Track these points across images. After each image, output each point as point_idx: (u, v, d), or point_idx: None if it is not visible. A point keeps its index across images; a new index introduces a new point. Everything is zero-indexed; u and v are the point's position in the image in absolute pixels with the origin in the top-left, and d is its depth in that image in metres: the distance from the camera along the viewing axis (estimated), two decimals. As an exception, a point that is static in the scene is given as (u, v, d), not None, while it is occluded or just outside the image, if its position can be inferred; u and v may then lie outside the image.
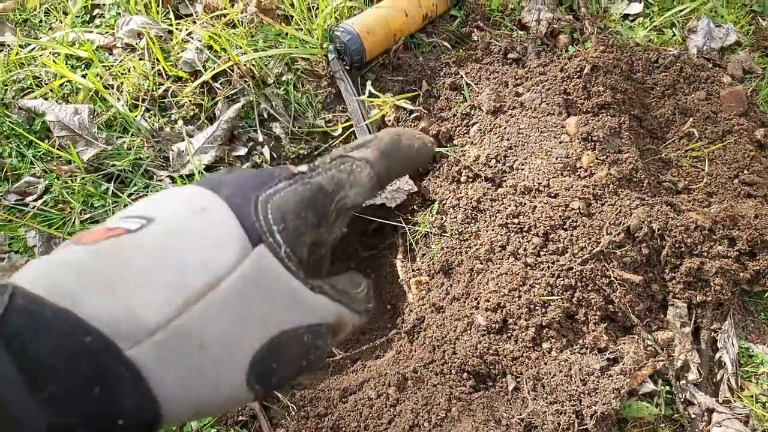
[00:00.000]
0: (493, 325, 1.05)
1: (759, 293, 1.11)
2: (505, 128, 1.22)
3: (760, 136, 1.24)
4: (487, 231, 1.14)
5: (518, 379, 1.00)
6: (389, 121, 1.28)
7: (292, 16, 1.37)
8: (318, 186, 0.38)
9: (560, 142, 1.18)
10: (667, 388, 1.07)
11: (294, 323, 0.35)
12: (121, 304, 0.29)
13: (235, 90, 1.33)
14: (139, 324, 0.29)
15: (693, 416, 1.06)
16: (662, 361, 1.06)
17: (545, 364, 1.02)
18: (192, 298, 0.31)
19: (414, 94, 1.33)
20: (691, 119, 1.25)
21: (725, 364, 1.07)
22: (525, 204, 1.11)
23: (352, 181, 0.40)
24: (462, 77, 1.35)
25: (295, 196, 0.37)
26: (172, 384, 0.30)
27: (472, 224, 1.15)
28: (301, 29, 1.34)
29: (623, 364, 1.04)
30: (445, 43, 1.44)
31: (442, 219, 1.22)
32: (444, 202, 1.21)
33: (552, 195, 1.11)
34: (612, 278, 1.05)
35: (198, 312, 0.31)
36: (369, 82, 1.32)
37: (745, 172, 1.18)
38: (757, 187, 1.16)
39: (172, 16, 1.40)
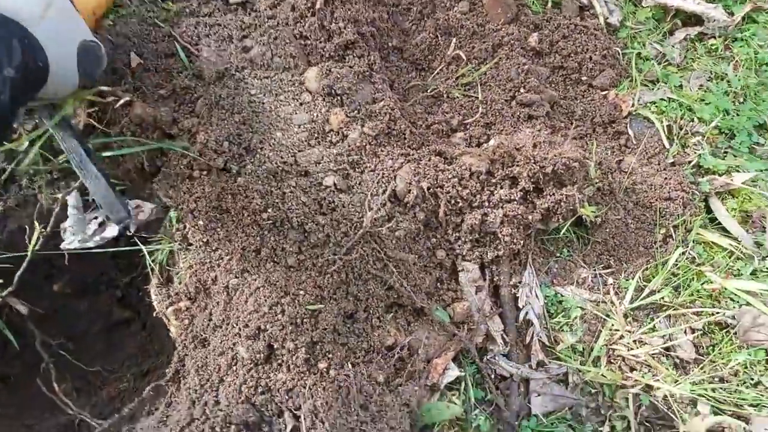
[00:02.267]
0: (258, 356, 0.94)
1: (556, 230, 0.97)
2: (233, 98, 0.98)
3: (534, 43, 1.09)
4: (236, 235, 1.01)
5: (297, 416, 0.79)
6: (77, 122, 0.97)
7: None
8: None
9: (301, 104, 0.96)
10: (474, 367, 0.90)
11: (88, 36, 0.77)
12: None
13: None
14: (32, 14, 0.66)
15: (508, 392, 0.90)
16: (462, 339, 0.89)
17: (323, 389, 0.80)
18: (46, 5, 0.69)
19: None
20: (455, 39, 1.07)
21: (532, 321, 0.91)
22: (272, 192, 1.01)
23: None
24: (176, 39, 1.04)
25: None
26: (54, 52, 0.68)
27: (217, 229, 1.03)
28: None
29: (416, 359, 0.85)
30: (151, -2, 1.13)
31: (183, 228, 1.07)
32: (181, 206, 0.95)
33: (301, 174, 1.03)
34: (385, 261, 0.98)
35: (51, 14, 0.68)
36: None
37: (522, 90, 1.03)
38: (536, 106, 1.01)
39: None
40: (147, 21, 1.22)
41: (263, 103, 1.07)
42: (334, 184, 1.01)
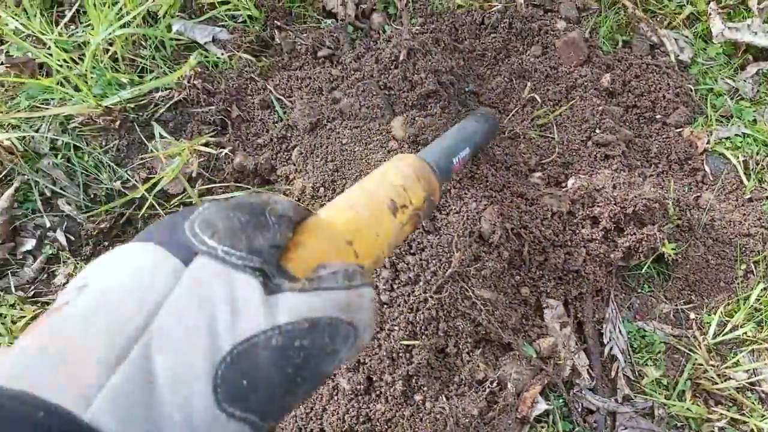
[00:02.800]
0: (358, 387, 1.01)
1: (637, 266, 1.01)
2: (326, 147, 1.07)
3: (606, 83, 1.14)
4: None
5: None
6: (191, 170, 1.08)
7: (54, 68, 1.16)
8: (242, 198, 0.40)
9: (389, 152, 1.03)
10: (561, 401, 0.95)
11: (250, 331, 0.33)
12: (64, 371, 0.29)
13: (2, 172, 1.09)
14: (85, 382, 0.29)
15: (595, 425, 0.95)
16: (549, 373, 0.93)
17: (420, 420, 0.87)
18: (133, 337, 0.31)
19: (211, 132, 1.13)
20: (529, 82, 1.13)
21: (616, 356, 0.96)
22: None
23: (275, 200, 0.41)
24: (270, 92, 1.15)
25: (218, 207, 0.38)
26: (138, 428, 0.29)
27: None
28: (68, 80, 1.12)
29: (506, 393, 0.91)
30: (246, 55, 1.23)
31: None
32: None
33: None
34: (473, 299, 1.05)
35: (141, 347, 0.31)
36: (157, 126, 1.12)
37: (597, 131, 1.08)
38: (612, 146, 1.06)
39: None
40: (244, 75, 1.34)
41: (354, 152, 1.16)
42: (423, 227, 1.08)
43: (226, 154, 1.26)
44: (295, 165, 1.22)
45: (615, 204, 1.07)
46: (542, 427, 1.05)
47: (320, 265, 0.39)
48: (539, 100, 1.29)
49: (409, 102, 1.22)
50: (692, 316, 1.15)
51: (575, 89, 1.29)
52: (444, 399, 1.01)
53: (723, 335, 1.12)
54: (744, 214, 1.19)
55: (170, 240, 0.36)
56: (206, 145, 1.28)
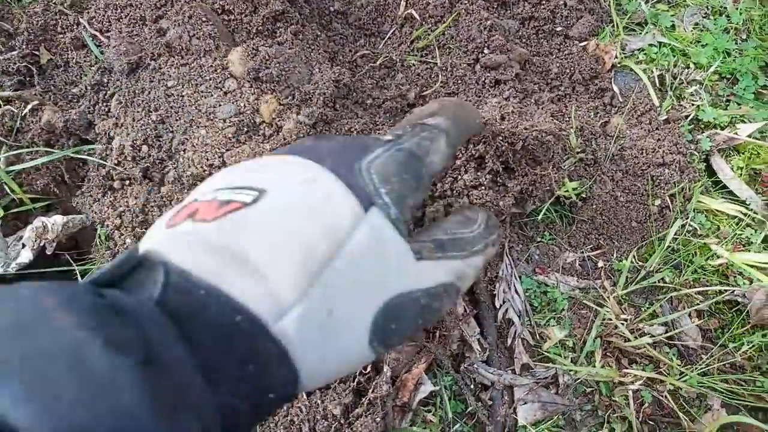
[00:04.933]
0: None
1: (534, 211, 0.83)
2: (149, 92, 0.84)
3: None
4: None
5: None
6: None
7: None
8: (409, 151, 0.41)
9: (226, 94, 0.82)
10: (450, 378, 0.78)
11: (407, 287, 0.37)
12: (260, 282, 0.31)
13: None
14: (279, 301, 0.32)
15: (490, 402, 0.79)
16: (433, 349, 0.93)
17: (270, 429, 0.70)
18: (318, 269, 0.33)
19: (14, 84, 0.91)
20: None
21: (512, 320, 0.79)
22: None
23: (435, 148, 0.43)
24: (84, 27, 0.89)
25: (393, 161, 0.40)
26: (311, 355, 0.33)
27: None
28: None
29: (379, 381, 0.75)
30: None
31: (114, 246, 0.98)
32: (107, 223, 0.83)
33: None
34: None
35: (324, 282, 0.33)
36: None
37: (486, 51, 0.87)
38: (503, 68, 0.87)
39: None
40: (51, 9, 1.07)
41: (182, 96, 0.94)
42: (271, 186, 0.87)
43: (32, 109, 1.01)
44: (115, 118, 0.98)
45: (503, 138, 0.88)
46: (428, 411, 0.90)
47: (438, 227, 0.42)
48: (418, 17, 1.06)
49: (252, 28, 0.99)
50: (600, 263, 1.00)
51: (460, 1, 1.07)
52: (304, 396, 0.83)
53: (636, 283, 0.97)
54: (658, 140, 1.02)
55: (349, 177, 0.37)
56: (8, 101, 1.03)
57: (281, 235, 0.33)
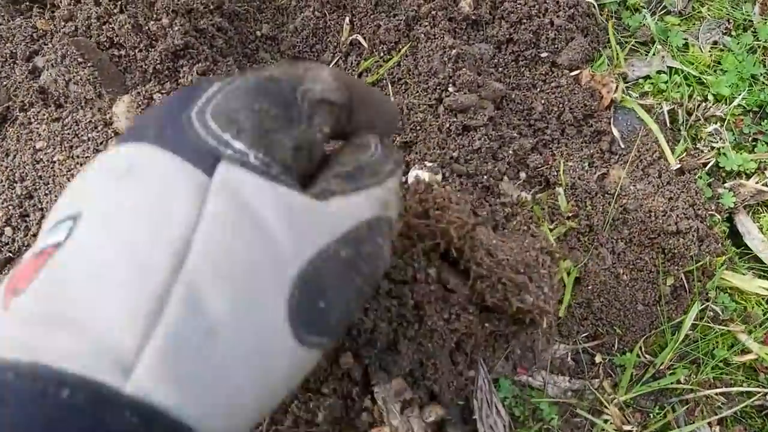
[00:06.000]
0: None
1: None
2: (15, 156, 0.62)
3: (467, 8, 0.90)
4: None
5: None
6: None
7: None
8: (265, 77, 0.31)
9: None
10: None
11: (315, 246, 0.28)
12: (87, 337, 0.23)
13: None
14: (119, 350, 0.23)
15: None
16: None
17: None
18: (163, 286, 0.24)
19: None
20: (349, 16, 0.70)
21: None
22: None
23: (312, 76, 0.32)
24: None
25: (236, 91, 0.29)
26: (201, 398, 0.23)
27: None
28: None
29: None
30: None
31: None
32: None
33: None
34: None
35: (179, 299, 0.24)
36: None
37: (450, 89, 0.69)
38: (473, 110, 0.68)
39: None
40: None
41: (53, 163, 0.72)
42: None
43: None
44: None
45: (462, 218, 0.67)
46: None
47: (335, 161, 0.33)
48: (366, 44, 0.84)
49: (148, 67, 0.77)
50: (598, 358, 0.79)
51: (419, 23, 0.85)
52: None
53: (643, 384, 0.77)
54: (670, 198, 0.80)
55: (176, 138, 0.27)
56: None
57: (101, 264, 0.25)
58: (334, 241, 0.28)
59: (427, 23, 0.86)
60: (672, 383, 0.78)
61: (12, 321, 0.24)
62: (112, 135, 0.74)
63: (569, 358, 0.81)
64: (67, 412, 0.21)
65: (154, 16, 0.78)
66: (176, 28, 0.77)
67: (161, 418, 0.22)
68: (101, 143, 0.73)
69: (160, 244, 0.24)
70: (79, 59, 0.75)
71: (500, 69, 0.88)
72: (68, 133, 0.74)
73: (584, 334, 0.81)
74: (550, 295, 0.67)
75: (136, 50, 0.78)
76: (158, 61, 0.77)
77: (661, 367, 0.79)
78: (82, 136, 0.73)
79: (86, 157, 0.73)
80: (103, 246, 0.25)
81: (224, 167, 0.26)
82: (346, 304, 0.30)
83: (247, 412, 0.26)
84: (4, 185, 0.74)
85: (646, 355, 0.80)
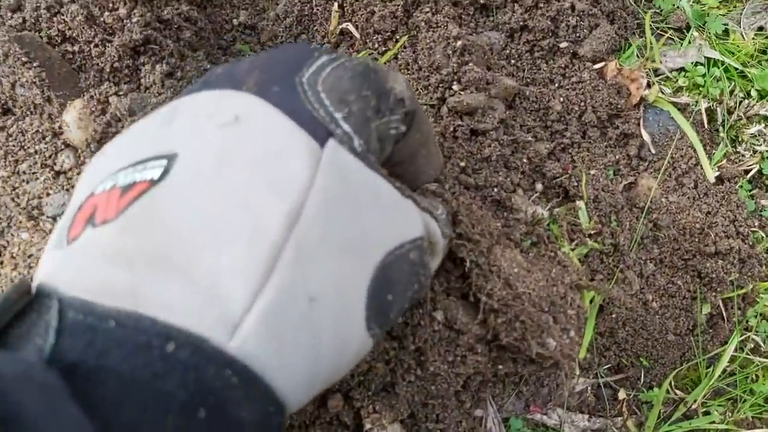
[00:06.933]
0: None
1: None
2: None
3: None
4: None
5: None
6: None
7: None
8: (366, 63, 0.32)
9: (58, 174, 0.51)
10: None
11: (397, 239, 0.29)
12: (194, 287, 0.22)
13: None
14: (228, 304, 0.22)
15: None
16: None
17: None
18: (276, 245, 0.23)
19: None
20: (337, 2, 0.57)
21: None
22: None
23: (394, 76, 0.33)
24: None
25: (348, 72, 0.30)
26: (295, 368, 0.23)
27: None
28: None
29: None
30: None
31: None
32: None
33: None
34: None
35: (290, 260, 0.23)
36: None
37: (455, 86, 0.60)
38: (481, 113, 0.57)
39: None
40: None
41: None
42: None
43: None
44: None
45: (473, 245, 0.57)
46: None
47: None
48: (357, 34, 0.73)
49: (105, 65, 0.66)
50: (622, 394, 0.70)
51: (419, 8, 0.74)
52: None
53: (673, 423, 0.68)
54: (708, 213, 0.70)
55: (289, 100, 0.27)
56: None
57: (210, 212, 0.24)
58: (407, 241, 0.30)
59: (428, 9, 0.75)
60: (706, 423, 0.69)
61: (96, 253, 0.23)
62: (62, 147, 0.64)
63: (589, 394, 0.72)
64: (172, 365, 0.21)
65: (110, 5, 0.67)
66: (135, 20, 0.67)
67: (258, 382, 0.22)
68: (50, 156, 0.63)
69: (277, 201, 0.24)
70: (23, 58, 0.65)
71: (513, 62, 0.77)
72: (13, 146, 0.64)
73: (606, 366, 0.72)
74: (577, 340, 0.58)
75: (91, 45, 0.68)
76: (116, 58, 0.67)
77: (693, 405, 0.70)
78: (28, 148, 0.63)
79: (33, 173, 0.63)
80: (215, 193, 0.24)
81: (334, 145, 0.27)
82: (404, 303, 0.30)
83: (316, 391, 0.26)
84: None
85: (677, 391, 0.71)
